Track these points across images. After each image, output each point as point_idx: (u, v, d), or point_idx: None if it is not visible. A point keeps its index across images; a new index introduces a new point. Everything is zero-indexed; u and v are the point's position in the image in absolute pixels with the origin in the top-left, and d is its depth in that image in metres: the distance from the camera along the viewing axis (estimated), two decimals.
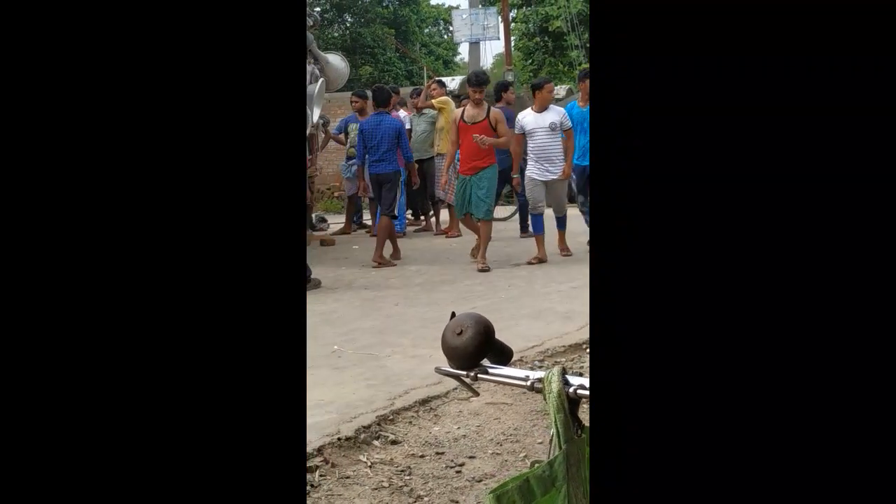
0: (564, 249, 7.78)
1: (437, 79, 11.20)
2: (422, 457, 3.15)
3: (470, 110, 7.37)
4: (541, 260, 7.43)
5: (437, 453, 3.18)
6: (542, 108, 7.55)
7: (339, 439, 3.21)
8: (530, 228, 7.96)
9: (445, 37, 33.13)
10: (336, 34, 28.01)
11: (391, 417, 3.49)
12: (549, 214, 7.65)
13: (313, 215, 9.98)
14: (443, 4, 33.57)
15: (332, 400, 3.69)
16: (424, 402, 3.68)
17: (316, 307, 5.83)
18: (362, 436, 3.27)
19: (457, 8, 24.49)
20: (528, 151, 7.61)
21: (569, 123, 7.63)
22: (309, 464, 3.01)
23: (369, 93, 9.36)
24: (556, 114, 7.64)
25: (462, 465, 3.09)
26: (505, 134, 7.37)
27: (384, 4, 29.30)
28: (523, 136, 7.59)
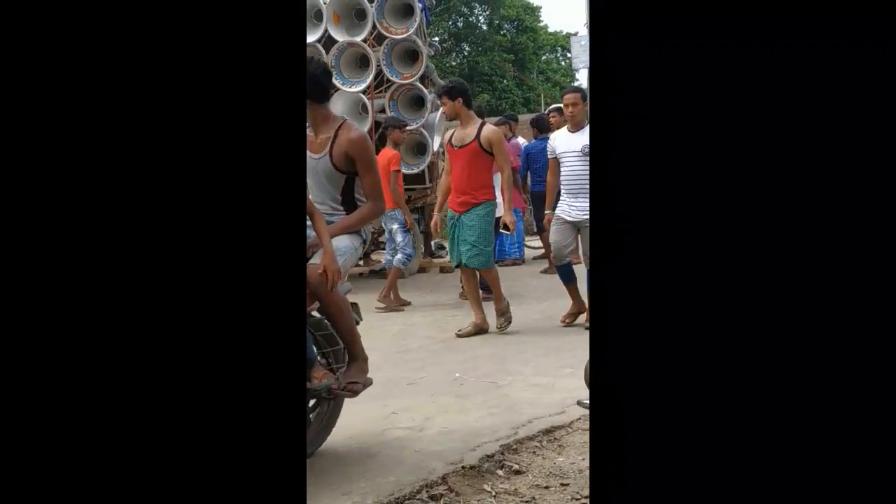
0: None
1: (554, 106, 11.21)
2: (546, 488, 3.11)
3: (458, 131, 5.93)
4: (580, 311, 5.94)
5: (562, 484, 3.13)
6: (576, 127, 5.78)
7: (462, 468, 3.21)
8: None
9: (563, 63, 33.11)
10: (454, 63, 28.41)
11: (514, 447, 3.47)
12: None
13: (433, 242, 10.09)
14: (561, 31, 33.59)
15: (455, 428, 3.70)
16: (548, 431, 3.64)
17: (437, 334, 5.88)
18: (486, 465, 3.26)
19: (575, 34, 24.44)
20: (560, 182, 5.92)
21: None
22: (433, 492, 3.03)
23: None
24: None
25: (588, 497, 3.04)
26: (505, 163, 5.90)
27: (502, 32, 29.55)
28: (556, 161, 5.92)
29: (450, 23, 29.01)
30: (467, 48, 29.57)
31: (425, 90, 8.34)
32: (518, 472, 3.24)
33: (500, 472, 3.24)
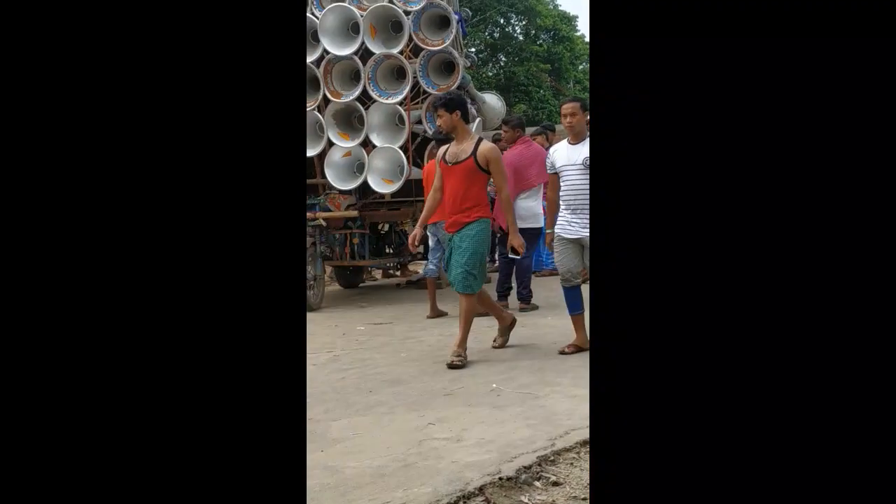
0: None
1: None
2: (584, 499, 3.09)
3: (453, 147, 5.54)
4: (580, 348, 5.42)
5: None
6: (577, 139, 5.44)
7: (500, 479, 3.20)
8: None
9: None
10: (491, 73, 28.45)
11: (552, 458, 3.45)
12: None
13: None
14: None
15: (492, 439, 3.69)
16: (586, 442, 3.62)
17: (474, 345, 5.87)
18: (523, 476, 3.25)
19: None
20: (560, 197, 5.54)
21: None
22: (470, 503, 3.02)
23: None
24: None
25: None
26: (503, 182, 5.49)
27: (538, 43, 29.53)
28: (556, 176, 5.56)
29: (486, 33, 29.06)
30: (503, 58, 29.59)
31: None
32: (556, 484, 3.23)
33: (537, 483, 3.22)
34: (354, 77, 8.41)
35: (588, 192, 5.10)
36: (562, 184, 5.45)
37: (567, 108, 5.49)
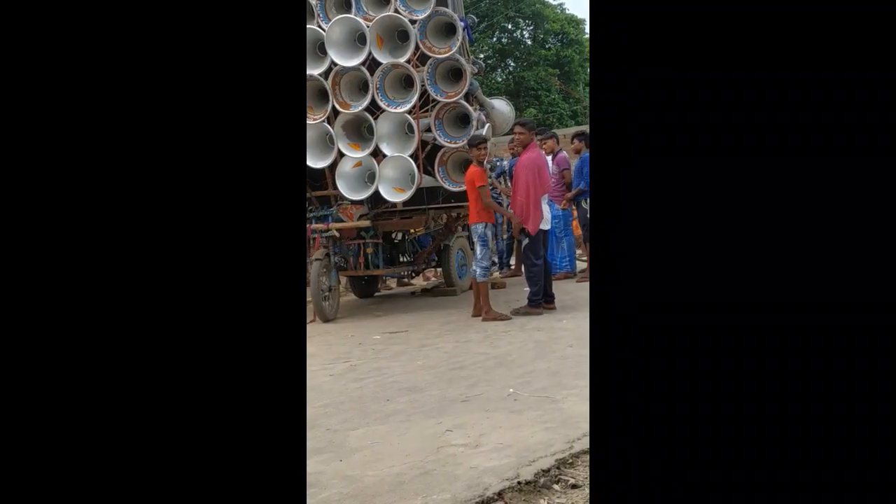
0: None
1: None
2: None
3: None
4: None
5: None
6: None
7: (518, 483, 3.20)
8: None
9: None
10: (500, 79, 28.45)
11: (570, 461, 3.44)
12: None
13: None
14: None
15: (510, 443, 3.69)
16: None
17: (490, 350, 5.87)
18: (542, 479, 3.24)
19: None
20: None
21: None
22: None
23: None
24: None
25: None
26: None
27: (547, 47, 29.52)
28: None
29: (494, 39, 29.08)
30: (512, 64, 29.58)
31: (470, 108, 8.38)
32: (574, 487, 3.22)
33: (556, 486, 3.22)
34: (363, 87, 8.44)
35: None
36: None
37: None
